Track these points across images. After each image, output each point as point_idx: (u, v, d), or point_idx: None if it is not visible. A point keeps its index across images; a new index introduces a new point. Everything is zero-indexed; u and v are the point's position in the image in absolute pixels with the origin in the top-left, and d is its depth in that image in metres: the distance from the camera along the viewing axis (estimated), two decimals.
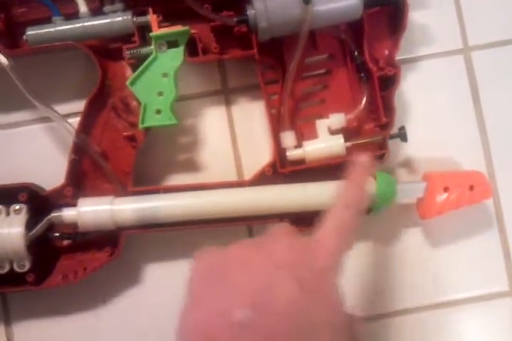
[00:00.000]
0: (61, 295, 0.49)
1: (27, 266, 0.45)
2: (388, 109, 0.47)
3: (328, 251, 0.35)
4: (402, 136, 0.48)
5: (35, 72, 0.50)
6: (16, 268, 0.45)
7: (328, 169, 0.47)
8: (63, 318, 0.49)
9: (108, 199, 0.45)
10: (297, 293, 0.31)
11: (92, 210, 0.45)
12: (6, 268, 0.44)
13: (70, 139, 0.48)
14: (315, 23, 0.46)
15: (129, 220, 0.45)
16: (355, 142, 0.47)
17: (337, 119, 0.48)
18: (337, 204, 0.37)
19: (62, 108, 0.49)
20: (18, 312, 0.50)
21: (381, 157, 0.47)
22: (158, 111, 0.47)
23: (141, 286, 0.50)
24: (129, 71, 0.48)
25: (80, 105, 0.49)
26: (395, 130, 0.48)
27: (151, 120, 0.47)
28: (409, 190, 0.47)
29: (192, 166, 0.51)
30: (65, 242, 0.48)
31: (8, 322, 0.49)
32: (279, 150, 0.48)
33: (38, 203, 0.46)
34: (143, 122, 0.46)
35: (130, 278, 0.50)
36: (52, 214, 0.45)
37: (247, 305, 0.31)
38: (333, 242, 0.35)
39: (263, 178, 0.48)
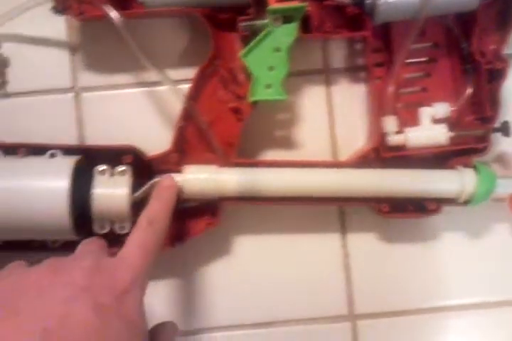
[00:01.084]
0: None
1: (127, 228, 0.45)
2: (493, 102, 0.47)
3: (130, 268, 0.36)
4: (506, 130, 0.48)
5: (140, 36, 0.49)
6: (117, 230, 0.45)
7: (426, 158, 0.47)
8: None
9: (213, 168, 0.45)
10: (92, 318, 0.32)
11: (198, 178, 0.45)
12: (106, 229, 0.44)
13: (173, 106, 0.48)
14: (431, 10, 0.46)
15: (232, 191, 0.45)
16: (458, 133, 0.47)
17: (442, 109, 0.48)
18: (140, 221, 0.39)
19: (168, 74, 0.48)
20: None
21: (482, 150, 0.47)
22: (268, 86, 0.47)
23: (231, 258, 0.50)
24: (238, 43, 0.48)
25: (184, 73, 0.49)
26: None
27: (261, 94, 0.47)
28: (506, 185, 0.48)
29: (287, 143, 0.51)
30: None
31: None
32: (382, 135, 0.48)
33: (141, 167, 0.46)
34: (253, 95, 0.46)
35: (220, 249, 0.50)
36: (157, 179, 0.45)
37: (37, 334, 0.30)
38: (136, 259, 0.36)
39: (362, 161, 0.48)
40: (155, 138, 0.47)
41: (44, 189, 0.42)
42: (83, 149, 0.46)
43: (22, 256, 0.45)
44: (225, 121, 0.48)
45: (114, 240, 0.45)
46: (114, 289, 0.34)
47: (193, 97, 0.47)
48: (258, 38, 0.46)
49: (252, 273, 0.50)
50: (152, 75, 0.49)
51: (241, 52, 0.46)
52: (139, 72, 0.50)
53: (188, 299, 0.50)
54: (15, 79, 0.50)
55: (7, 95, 0.50)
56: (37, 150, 0.45)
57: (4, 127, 0.47)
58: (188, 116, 0.47)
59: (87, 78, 0.50)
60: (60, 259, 0.36)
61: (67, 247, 0.45)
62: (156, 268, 0.48)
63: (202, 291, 0.50)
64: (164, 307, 0.50)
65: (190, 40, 0.51)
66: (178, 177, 0.45)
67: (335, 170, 0.47)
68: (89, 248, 0.38)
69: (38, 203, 0.42)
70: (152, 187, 0.45)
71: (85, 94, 0.50)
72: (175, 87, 0.46)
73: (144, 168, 0.46)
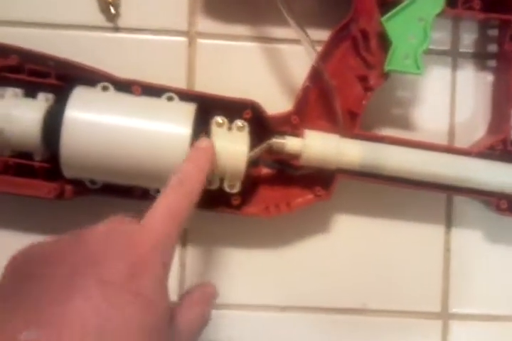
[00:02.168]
0: (242, 226, 0.46)
1: (237, 187, 0.41)
2: None
3: (152, 233, 0.30)
4: None
5: None
6: (226, 188, 0.41)
7: None
8: (238, 250, 0.46)
9: (335, 137, 0.42)
10: (100, 300, 0.27)
11: (320, 145, 0.42)
12: (216, 185, 0.41)
13: (293, 67, 0.46)
14: None
15: (352, 164, 0.42)
16: None
17: None
18: (171, 181, 0.33)
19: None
20: (195, 234, 0.46)
21: None
22: (406, 56, 0.43)
23: (325, 235, 0.47)
24: (375, 6, 0.44)
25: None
26: None
27: (398, 64, 0.43)
28: None
29: (403, 122, 0.48)
30: (264, 171, 0.45)
31: (183, 243, 0.46)
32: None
33: (259, 124, 0.42)
34: (389, 64, 0.43)
35: (315, 224, 0.47)
36: (275, 140, 0.41)
37: (37, 323, 0.26)
38: (160, 224, 0.31)
39: (487, 152, 0.45)
40: (267, 97, 0.43)
41: (165, 133, 0.39)
42: (201, 96, 0.42)
43: (120, 204, 0.42)
44: (351, 89, 0.44)
45: (220, 199, 0.41)
46: (128, 260, 0.28)
47: (323, 59, 0.43)
48: (403, 4, 0.43)
49: (346, 254, 0.47)
50: (276, 31, 0.46)
51: (384, 17, 0.43)
52: (261, 26, 0.46)
53: (276, 274, 0.46)
54: (128, 13, 0.46)
55: (117, 29, 0.46)
56: (152, 90, 0.41)
57: (110, 61, 0.43)
58: (315, 78, 0.43)
59: (205, 24, 0.46)
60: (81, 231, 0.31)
61: None
62: (242, 234, 0.46)
63: (288, 267, 0.46)
64: (245, 279, 0.46)
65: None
66: (296, 141, 0.41)
67: (459, 156, 0.44)
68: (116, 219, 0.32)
69: (155, 147, 0.39)
70: (268, 147, 0.41)
71: (200, 41, 0.46)
72: (312, 45, 0.42)
73: (261, 126, 0.42)
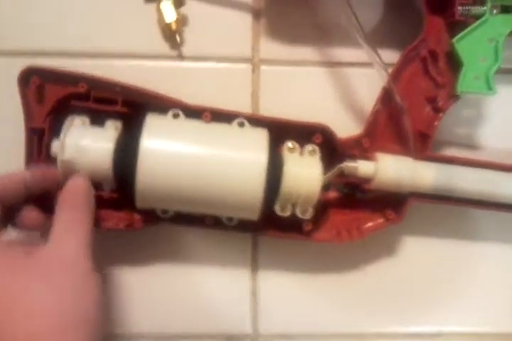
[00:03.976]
0: (312, 250, 0.46)
1: (310, 212, 0.41)
2: None
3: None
4: None
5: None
6: (299, 214, 0.41)
7: None
8: (310, 277, 0.46)
9: (409, 160, 0.41)
10: None
11: (394, 168, 0.41)
12: (288, 211, 0.40)
13: (357, 90, 0.46)
14: None
15: (424, 187, 0.42)
16: None
17: None
18: None
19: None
20: (266, 260, 0.46)
21: None
22: (477, 78, 0.43)
23: (396, 258, 0.46)
24: (443, 27, 0.44)
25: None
26: None
27: (469, 86, 0.43)
28: None
29: (470, 141, 0.47)
30: (333, 195, 0.44)
31: (255, 269, 0.45)
32: None
33: (329, 148, 0.42)
34: (461, 86, 0.42)
35: (388, 247, 0.46)
36: (347, 163, 0.41)
37: None
38: None
39: None
40: (331, 121, 0.43)
41: (241, 161, 0.38)
42: (271, 121, 0.41)
43: (192, 232, 0.41)
44: (420, 111, 0.44)
45: (292, 225, 0.41)
46: None
47: (393, 81, 0.42)
48: (474, 25, 0.43)
49: (417, 277, 0.45)
50: (340, 54, 0.46)
51: (454, 38, 0.42)
52: (325, 49, 0.46)
53: (345, 298, 0.45)
54: (191, 41, 0.46)
55: (181, 57, 0.45)
56: (222, 116, 0.41)
57: (174, 90, 0.42)
58: (385, 100, 0.43)
59: (268, 50, 0.46)
60: None
61: (242, 227, 0.41)
62: (312, 259, 0.45)
63: (357, 290, 0.46)
64: (310, 304, 0.45)
65: (381, 19, 0.46)
66: (369, 165, 0.40)
67: None
68: None
69: (232, 175, 0.38)
70: (340, 171, 0.40)
71: (264, 67, 0.46)
72: (384, 67, 0.41)
73: (331, 150, 0.42)
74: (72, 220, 0.35)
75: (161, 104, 0.41)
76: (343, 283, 0.46)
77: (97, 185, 0.40)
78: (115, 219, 0.41)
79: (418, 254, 0.46)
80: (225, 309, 0.45)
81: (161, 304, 0.44)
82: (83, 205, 0.37)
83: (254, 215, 0.39)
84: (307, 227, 0.42)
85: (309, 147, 0.41)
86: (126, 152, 0.38)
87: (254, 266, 0.46)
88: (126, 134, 0.40)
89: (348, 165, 0.41)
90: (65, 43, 0.45)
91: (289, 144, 0.41)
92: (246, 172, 0.38)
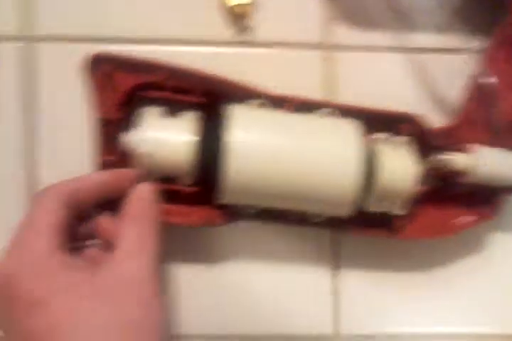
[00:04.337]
0: (395, 250, 0.43)
1: (403, 208, 0.38)
2: None
3: None
4: None
5: None
6: (391, 210, 0.38)
7: None
8: (393, 276, 0.43)
9: (507, 152, 0.39)
10: None
11: (492, 161, 0.38)
12: (383, 208, 0.38)
13: (437, 76, 0.42)
14: None
15: None
16: None
17: None
18: None
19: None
20: (349, 257, 0.43)
21: None
22: None
23: (487, 257, 0.44)
24: None
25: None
26: None
27: None
28: None
29: None
30: (421, 189, 0.41)
31: (336, 268, 0.43)
32: None
33: (419, 139, 0.39)
34: None
35: (478, 245, 0.43)
36: (442, 156, 0.38)
37: None
38: None
39: None
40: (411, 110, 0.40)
41: (335, 154, 0.36)
42: (357, 111, 0.38)
43: (269, 229, 0.39)
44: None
45: (381, 221, 0.39)
46: None
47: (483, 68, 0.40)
48: None
49: (506, 277, 0.43)
50: (418, 39, 0.43)
51: None
52: (401, 34, 0.43)
53: (434, 298, 0.43)
54: (259, 25, 0.42)
55: (249, 43, 0.42)
56: (305, 106, 0.38)
57: (241, 77, 0.39)
58: (475, 89, 0.40)
59: (340, 35, 0.43)
60: None
61: (328, 224, 0.39)
62: (395, 257, 0.43)
63: (446, 290, 0.44)
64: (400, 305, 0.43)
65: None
66: (468, 158, 0.38)
67: None
68: None
69: (325, 169, 0.35)
70: (435, 164, 0.38)
71: (336, 54, 0.43)
72: (476, 52, 0.38)
73: (421, 142, 0.39)
74: (140, 235, 0.33)
75: (241, 94, 0.38)
76: (429, 282, 0.43)
77: (173, 179, 0.37)
78: (194, 214, 0.38)
79: (510, 253, 0.43)
80: (305, 309, 0.42)
81: (238, 303, 0.42)
82: (151, 218, 0.34)
83: (345, 211, 0.37)
84: (398, 224, 0.39)
85: (399, 138, 0.38)
86: (213, 145, 0.35)
87: (335, 265, 0.43)
88: (210, 126, 0.36)
89: (444, 157, 0.38)
90: (129, 30, 0.42)
91: (381, 136, 0.38)
92: (341, 166, 0.35)
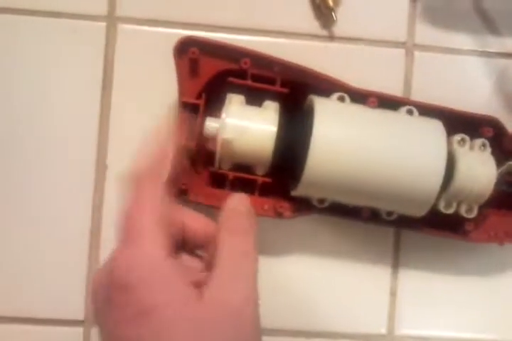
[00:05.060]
0: (457, 252, 0.43)
1: (475, 211, 0.38)
2: None
3: None
4: None
5: None
6: (463, 213, 0.37)
7: None
8: (454, 278, 0.43)
9: None
10: None
11: None
12: (453, 208, 0.37)
13: None
14: None
15: None
16: None
17: None
18: None
19: None
20: (409, 258, 0.43)
21: None
22: None
23: None
24: None
25: None
26: None
27: None
28: None
29: None
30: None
31: (396, 266, 0.43)
32: None
33: (500, 143, 0.39)
34: None
35: None
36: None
37: None
38: None
39: None
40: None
41: (419, 153, 0.36)
42: (439, 111, 0.38)
43: (345, 224, 0.39)
44: None
45: (451, 223, 0.39)
46: None
47: None
48: None
49: None
50: (503, 44, 0.43)
51: None
52: (485, 37, 0.43)
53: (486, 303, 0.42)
54: (343, 20, 0.42)
55: (332, 37, 0.42)
56: (388, 102, 0.38)
57: (321, 70, 0.39)
58: None
59: (423, 35, 0.43)
60: None
61: (399, 223, 0.39)
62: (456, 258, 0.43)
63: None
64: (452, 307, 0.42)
65: None
66: None
67: None
68: None
69: (407, 168, 0.36)
70: (509, 169, 0.37)
71: (418, 53, 0.43)
72: None
73: (499, 145, 0.39)
74: (241, 255, 0.29)
75: (322, 86, 0.38)
76: (490, 287, 0.43)
77: (247, 167, 0.37)
78: (265, 205, 0.38)
79: None
80: (361, 307, 0.42)
81: (294, 298, 0.42)
82: (251, 234, 0.31)
83: (422, 211, 0.37)
84: (469, 227, 0.39)
85: (479, 141, 0.38)
86: (296, 137, 0.36)
87: (395, 265, 0.43)
88: (293, 117, 0.36)
89: None
90: (218, 18, 0.42)
91: (459, 137, 0.38)
92: (424, 166, 0.35)
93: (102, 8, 0.41)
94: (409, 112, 0.38)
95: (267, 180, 0.37)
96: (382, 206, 0.37)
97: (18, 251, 0.40)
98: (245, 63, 0.37)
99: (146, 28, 0.41)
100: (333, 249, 0.42)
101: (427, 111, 0.38)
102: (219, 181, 0.38)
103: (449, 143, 0.37)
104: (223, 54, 0.38)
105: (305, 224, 0.41)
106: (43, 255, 0.41)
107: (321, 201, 0.38)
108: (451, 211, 0.38)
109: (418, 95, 0.42)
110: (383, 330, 0.42)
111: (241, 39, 0.42)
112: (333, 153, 0.35)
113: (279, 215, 0.38)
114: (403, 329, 0.43)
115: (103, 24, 0.42)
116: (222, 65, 0.38)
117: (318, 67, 0.39)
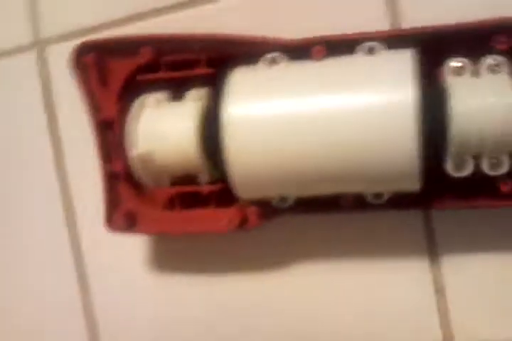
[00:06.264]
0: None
1: (505, 164, 0.25)
2: None
3: None
4: None
5: None
6: (486, 170, 0.24)
7: None
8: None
9: None
10: None
11: None
12: (468, 169, 0.25)
13: None
14: None
15: None
16: None
17: None
18: None
19: None
20: (449, 245, 0.31)
21: None
22: None
23: None
24: None
25: None
26: None
27: None
28: None
29: None
30: None
31: (434, 257, 0.31)
32: None
33: None
34: None
35: None
36: None
37: None
38: None
39: None
40: None
41: (375, 106, 0.25)
42: (420, 34, 0.27)
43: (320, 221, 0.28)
44: None
45: (480, 186, 0.27)
46: None
47: None
48: None
49: None
50: None
51: None
52: None
53: None
54: None
55: None
56: (341, 46, 0.27)
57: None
58: None
59: None
60: None
61: (398, 203, 0.28)
62: None
63: None
64: None
65: None
66: None
67: None
68: None
69: (364, 130, 0.25)
70: None
71: None
72: None
73: None
74: None
75: (254, 51, 0.28)
76: None
77: (191, 178, 0.30)
78: (222, 218, 0.29)
79: None
80: (405, 313, 0.31)
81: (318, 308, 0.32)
82: None
83: (413, 183, 0.25)
84: (505, 186, 0.26)
85: (489, 60, 0.25)
86: (211, 127, 0.26)
87: (433, 256, 0.31)
88: (212, 103, 0.28)
89: None
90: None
91: (453, 63, 0.25)
92: (387, 122, 0.25)
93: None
94: (370, 51, 0.27)
95: (213, 188, 0.29)
96: (356, 189, 0.27)
97: None
98: (146, 53, 0.30)
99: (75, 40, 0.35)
100: (355, 250, 0.32)
101: (401, 41, 0.27)
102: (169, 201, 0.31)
103: (440, 77, 0.25)
104: (126, 50, 0.30)
105: (316, 223, 0.31)
106: None
107: (283, 199, 0.28)
108: (465, 172, 0.25)
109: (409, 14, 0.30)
110: (437, 336, 0.31)
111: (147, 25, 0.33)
112: (257, 137, 0.26)
113: (244, 225, 0.29)
114: (461, 332, 0.31)
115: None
116: (129, 64, 0.30)
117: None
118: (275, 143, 0.25)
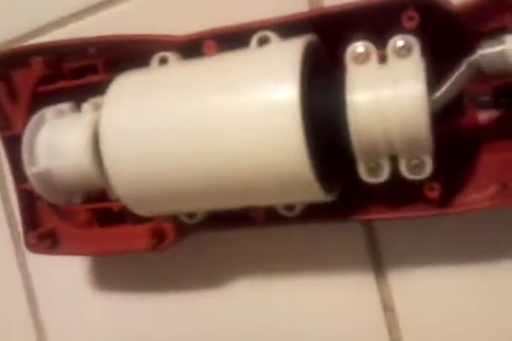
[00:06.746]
0: (461, 235, 0.25)
1: (428, 166, 0.20)
2: None
3: None
4: None
5: None
6: (406, 173, 0.20)
7: None
8: (466, 272, 0.26)
9: None
10: None
11: None
12: (385, 171, 0.21)
13: None
14: None
15: None
16: None
17: None
18: None
19: None
20: (395, 256, 0.27)
21: None
22: None
23: None
24: None
25: None
26: None
27: None
28: None
29: None
30: (483, 117, 0.22)
31: (379, 271, 0.27)
32: None
33: (439, 32, 0.21)
34: None
35: None
36: (485, 50, 0.19)
37: None
38: None
39: None
40: None
41: (257, 108, 0.21)
42: (318, 17, 0.23)
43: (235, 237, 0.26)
44: None
45: (411, 191, 0.23)
46: None
47: None
48: None
49: None
50: None
51: None
52: None
53: None
54: None
55: None
56: (235, 38, 0.23)
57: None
58: None
59: None
60: None
61: (313, 215, 0.24)
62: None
63: None
64: None
65: None
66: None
67: None
68: None
69: (246, 134, 0.22)
70: (472, 72, 0.19)
71: None
72: None
73: (443, 33, 0.21)
74: None
75: (149, 51, 0.25)
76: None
77: (101, 195, 0.27)
78: (139, 236, 0.27)
79: None
80: (354, 332, 0.27)
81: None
82: None
83: (314, 191, 0.21)
84: (432, 192, 0.22)
85: (397, 42, 0.21)
86: (96, 139, 0.24)
87: (379, 270, 0.27)
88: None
89: (488, 51, 0.20)
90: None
91: (355, 48, 0.21)
92: (267, 125, 0.21)
93: None
94: (262, 42, 0.23)
95: (120, 204, 0.26)
96: (253, 200, 0.23)
97: None
98: (36, 64, 0.27)
99: None
100: (294, 266, 0.28)
101: (298, 27, 0.23)
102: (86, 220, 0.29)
103: (338, 66, 0.22)
104: (20, 62, 0.28)
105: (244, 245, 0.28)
106: None
107: (191, 215, 0.25)
108: (383, 177, 0.21)
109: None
110: None
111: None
112: (127, 149, 0.23)
113: (162, 242, 0.27)
114: None
115: None
116: (29, 76, 0.28)
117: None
118: (148, 155, 0.22)
